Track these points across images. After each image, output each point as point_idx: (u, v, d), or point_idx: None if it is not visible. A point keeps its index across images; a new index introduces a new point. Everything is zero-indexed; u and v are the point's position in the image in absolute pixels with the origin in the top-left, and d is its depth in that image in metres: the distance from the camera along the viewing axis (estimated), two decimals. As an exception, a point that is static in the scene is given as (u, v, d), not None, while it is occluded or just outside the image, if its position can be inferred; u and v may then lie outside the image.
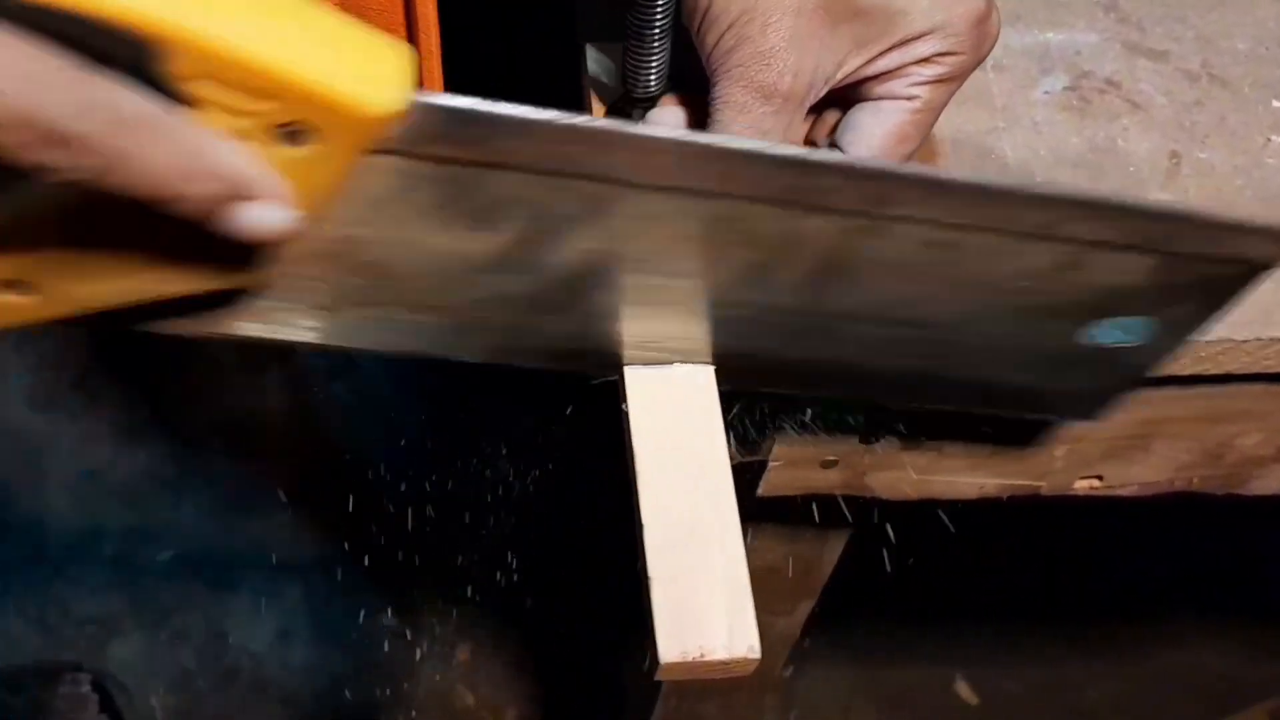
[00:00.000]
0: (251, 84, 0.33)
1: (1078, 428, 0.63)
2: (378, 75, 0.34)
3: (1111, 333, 0.50)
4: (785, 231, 0.44)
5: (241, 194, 0.35)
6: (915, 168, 0.42)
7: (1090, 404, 0.56)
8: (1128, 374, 0.53)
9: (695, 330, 0.50)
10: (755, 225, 0.44)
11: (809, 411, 0.61)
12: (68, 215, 0.35)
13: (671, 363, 0.52)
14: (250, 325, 0.46)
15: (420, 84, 0.37)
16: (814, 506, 0.68)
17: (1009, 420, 0.62)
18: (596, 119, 0.40)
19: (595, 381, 0.54)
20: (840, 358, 0.52)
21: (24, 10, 0.29)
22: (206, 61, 0.32)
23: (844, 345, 0.51)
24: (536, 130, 0.39)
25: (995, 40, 0.51)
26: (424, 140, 0.38)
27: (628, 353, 0.51)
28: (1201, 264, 0.46)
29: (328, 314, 0.47)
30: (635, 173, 0.41)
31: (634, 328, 0.50)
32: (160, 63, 0.32)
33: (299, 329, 0.47)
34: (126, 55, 0.31)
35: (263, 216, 0.36)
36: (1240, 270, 0.47)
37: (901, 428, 0.62)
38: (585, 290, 0.47)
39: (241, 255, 0.38)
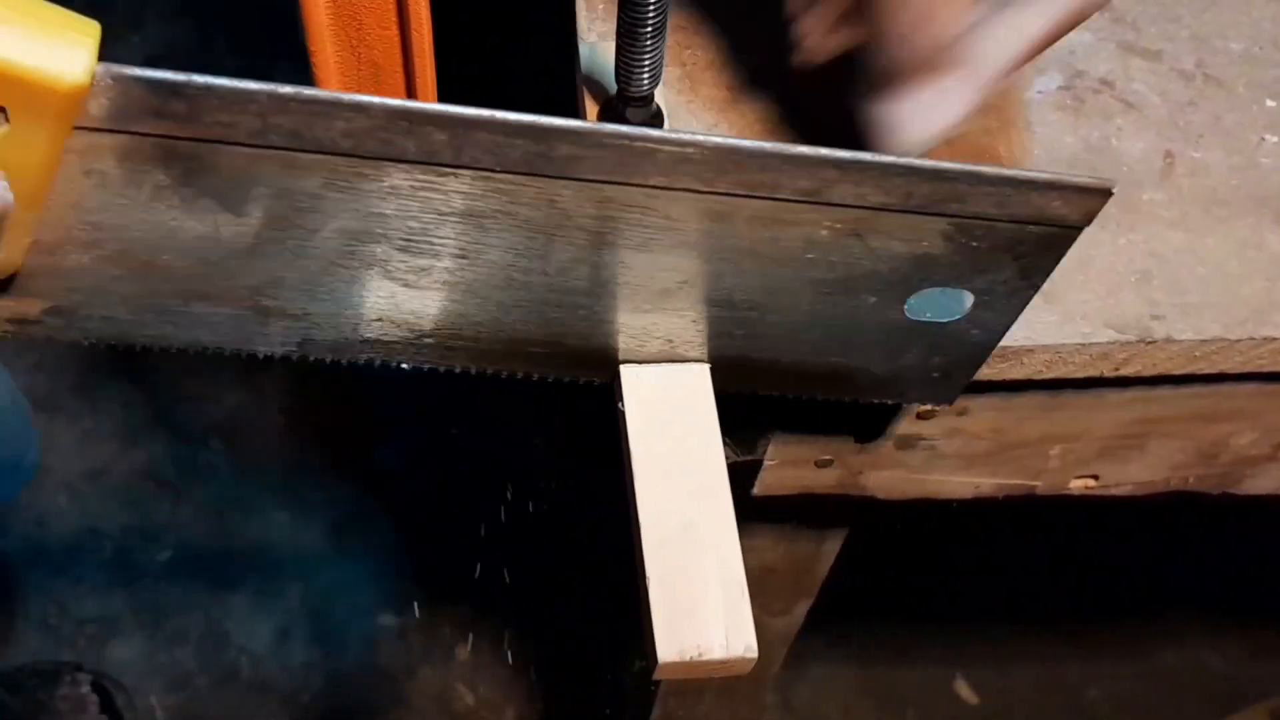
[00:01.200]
0: None
1: (1075, 426, 0.63)
2: (58, 49, 0.34)
3: (929, 306, 0.47)
4: (544, 203, 0.42)
5: None
6: (661, 133, 0.40)
7: (938, 385, 0.53)
8: (969, 351, 0.51)
9: (453, 309, 0.47)
10: (511, 198, 0.42)
11: (804, 410, 0.61)
12: None
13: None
14: (34, 322, 0.44)
15: (392, 82, 0.36)
16: (825, 500, 0.68)
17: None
18: (297, 88, 0.37)
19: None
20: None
21: None
22: None
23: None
24: (240, 101, 0.37)
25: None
26: (132, 116, 0.37)
27: (371, 333, 0.49)
28: (1000, 226, 0.43)
29: (105, 307, 0.45)
30: (367, 144, 0.39)
31: (400, 310, 0.47)
32: None
33: (80, 323, 0.45)
34: None
35: None
36: (1050, 232, 0.44)
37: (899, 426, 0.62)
38: (352, 272, 0.45)
39: None
